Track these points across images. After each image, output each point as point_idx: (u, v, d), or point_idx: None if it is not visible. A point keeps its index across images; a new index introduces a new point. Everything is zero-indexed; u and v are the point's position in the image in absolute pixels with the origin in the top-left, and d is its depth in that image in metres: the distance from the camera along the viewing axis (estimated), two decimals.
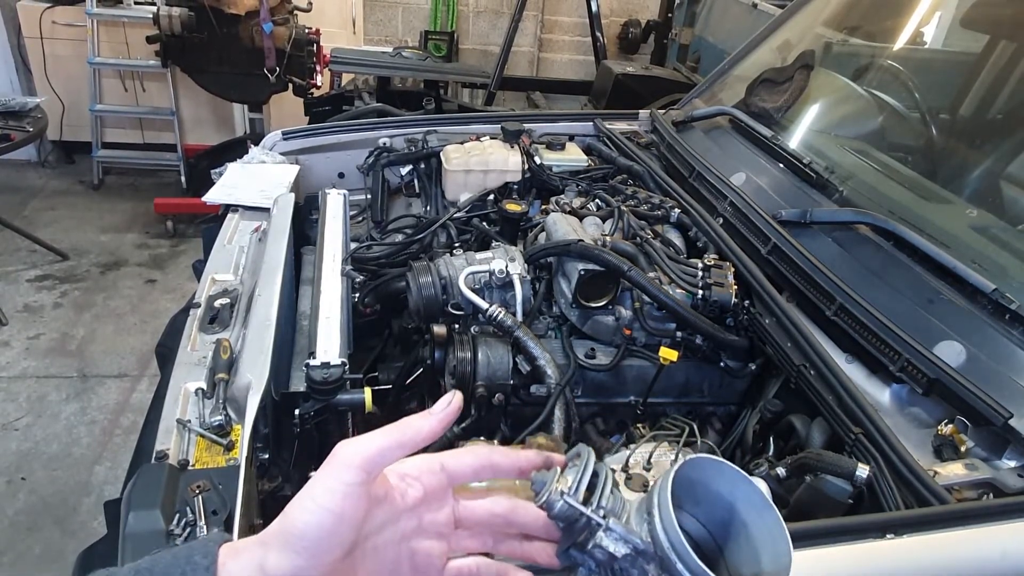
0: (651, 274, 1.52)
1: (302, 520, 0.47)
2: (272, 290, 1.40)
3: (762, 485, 1.10)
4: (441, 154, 2.04)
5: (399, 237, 1.88)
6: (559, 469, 0.55)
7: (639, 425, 1.45)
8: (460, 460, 0.56)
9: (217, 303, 1.45)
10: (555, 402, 1.36)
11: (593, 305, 1.50)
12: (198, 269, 1.73)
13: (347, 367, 1.23)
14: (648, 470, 1.18)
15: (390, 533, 0.54)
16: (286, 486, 1.21)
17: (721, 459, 0.54)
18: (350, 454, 0.49)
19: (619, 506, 0.53)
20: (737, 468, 0.53)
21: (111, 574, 0.48)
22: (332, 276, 1.47)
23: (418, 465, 0.55)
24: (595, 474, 0.54)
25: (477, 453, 0.57)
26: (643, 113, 2.45)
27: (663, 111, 2.40)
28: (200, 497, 0.95)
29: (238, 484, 0.98)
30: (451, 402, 0.53)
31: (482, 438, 1.15)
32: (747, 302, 1.51)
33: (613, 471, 0.57)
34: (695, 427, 1.38)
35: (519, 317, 1.49)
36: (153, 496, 0.94)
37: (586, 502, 0.52)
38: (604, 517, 0.51)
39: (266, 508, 1.17)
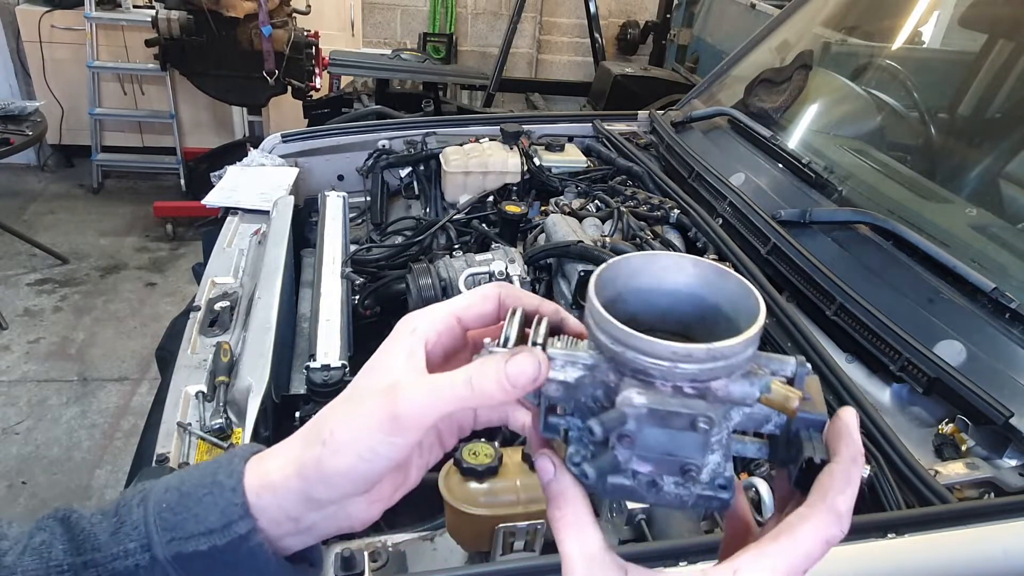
0: None
1: (346, 464, 0.44)
2: (272, 293, 1.40)
3: (762, 485, 1.10)
4: (440, 156, 2.04)
5: (399, 239, 1.88)
6: (501, 337, 0.47)
7: None
8: (471, 308, 0.49)
9: (217, 306, 1.45)
10: None
11: None
12: (198, 272, 1.73)
13: (347, 369, 1.23)
14: None
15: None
16: None
17: (649, 252, 0.47)
18: (410, 415, 0.43)
19: (556, 345, 0.46)
20: (668, 253, 0.47)
21: (146, 489, 0.47)
22: (332, 278, 1.47)
23: (438, 330, 0.48)
24: (525, 324, 0.47)
25: (487, 296, 0.50)
26: (642, 114, 2.45)
27: (662, 112, 2.40)
28: None
29: None
30: (536, 378, 0.42)
31: (483, 440, 1.15)
32: None
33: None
34: None
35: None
36: None
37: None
38: (536, 345, 0.45)
39: None
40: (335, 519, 0.46)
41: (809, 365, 0.43)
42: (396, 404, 0.43)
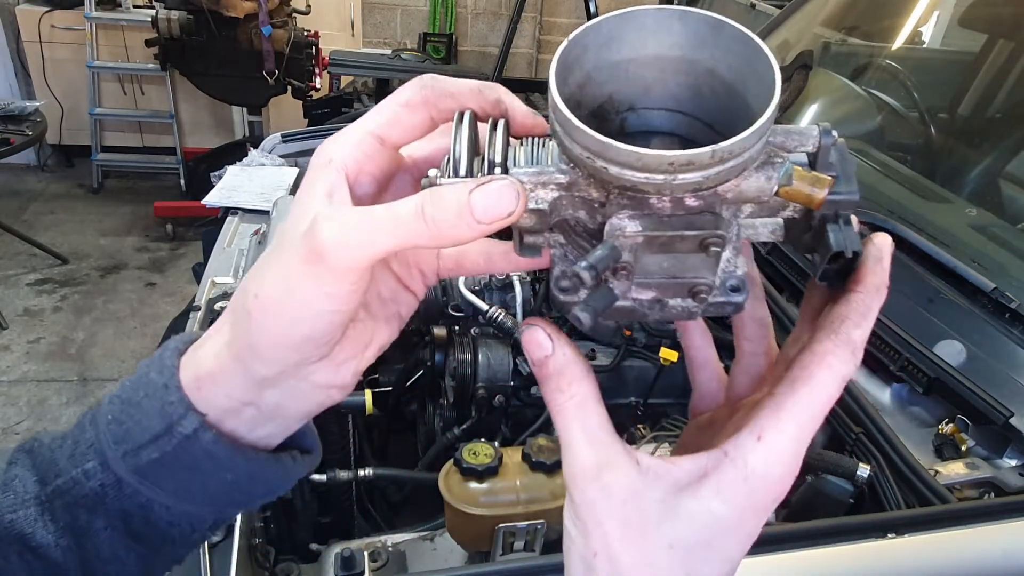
0: None
1: (277, 330, 0.36)
2: None
3: None
4: None
5: None
6: (447, 160, 0.37)
7: (640, 426, 1.46)
8: (394, 123, 0.40)
9: (217, 306, 1.45)
10: None
11: None
12: (198, 272, 1.73)
13: None
14: None
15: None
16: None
17: (623, 11, 0.36)
18: (338, 254, 0.33)
19: (515, 162, 0.37)
20: (646, 8, 0.36)
21: (97, 404, 0.43)
22: None
23: (356, 158, 0.39)
24: (475, 129, 0.38)
25: (410, 103, 0.39)
26: None
27: None
28: None
29: None
30: (513, 212, 0.33)
31: (483, 440, 1.15)
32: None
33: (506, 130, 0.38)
34: None
35: (519, 318, 1.49)
36: None
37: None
38: (496, 166, 0.36)
39: (266, 510, 1.17)
40: (301, 395, 0.40)
41: (835, 133, 0.35)
42: (318, 242, 0.33)
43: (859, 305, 0.35)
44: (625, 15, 0.36)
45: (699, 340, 0.45)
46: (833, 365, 0.34)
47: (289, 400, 0.40)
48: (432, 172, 0.36)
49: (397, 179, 0.42)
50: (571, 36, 0.35)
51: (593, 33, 0.35)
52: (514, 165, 0.36)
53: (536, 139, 0.38)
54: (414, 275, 0.44)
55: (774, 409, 0.34)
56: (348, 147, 0.39)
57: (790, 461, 0.33)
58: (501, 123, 0.38)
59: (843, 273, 0.36)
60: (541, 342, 0.36)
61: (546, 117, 0.36)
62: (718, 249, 0.33)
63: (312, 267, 0.34)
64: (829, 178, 0.34)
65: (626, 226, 0.33)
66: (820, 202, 0.34)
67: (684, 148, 0.33)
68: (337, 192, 0.37)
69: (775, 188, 0.34)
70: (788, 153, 0.35)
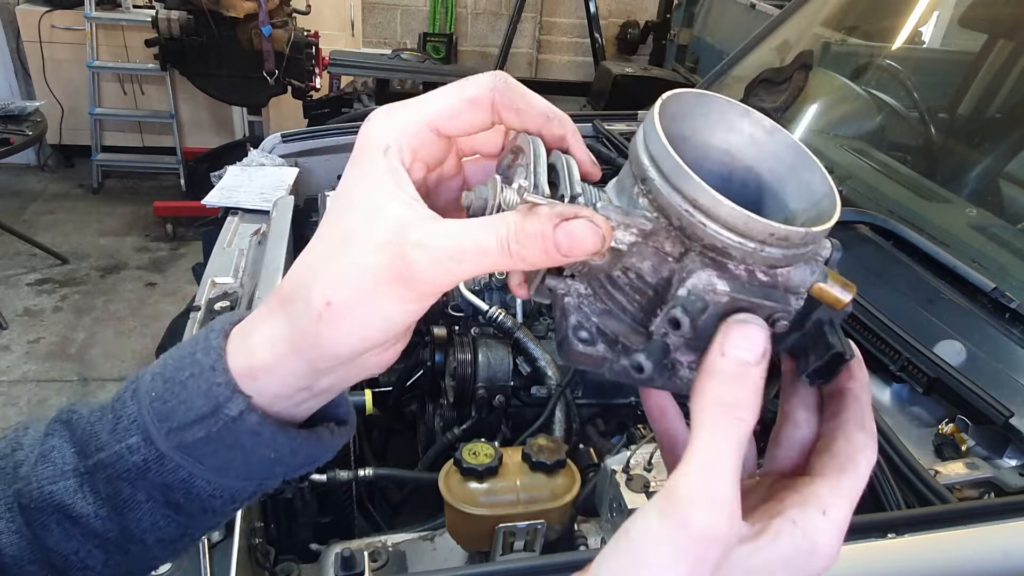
0: None
1: (354, 339, 0.37)
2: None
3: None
4: None
5: None
6: (498, 179, 0.38)
7: (640, 426, 1.45)
8: (455, 118, 0.40)
9: (217, 306, 1.45)
10: (556, 403, 1.36)
11: None
12: (198, 272, 1.73)
13: None
14: (649, 471, 1.18)
15: None
16: (286, 488, 1.21)
17: (702, 92, 0.38)
18: (429, 283, 0.35)
19: (593, 197, 0.38)
20: (726, 99, 0.38)
21: (137, 379, 0.43)
22: None
23: (412, 147, 0.39)
24: (552, 166, 0.39)
25: (477, 101, 0.40)
26: (642, 114, 2.45)
27: None
28: None
29: None
30: (599, 251, 0.34)
31: (483, 440, 1.15)
32: None
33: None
34: None
35: (519, 318, 1.49)
36: None
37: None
38: (579, 197, 0.37)
39: (266, 510, 1.17)
40: (349, 378, 0.42)
41: (840, 250, 0.38)
42: (409, 268, 0.35)
43: (866, 399, 0.39)
44: (701, 97, 0.37)
45: (676, 423, 0.47)
46: (869, 457, 0.38)
47: (339, 383, 0.42)
48: (524, 191, 0.37)
49: (446, 165, 0.44)
50: (666, 98, 0.37)
51: (674, 104, 0.37)
52: (597, 200, 0.37)
53: (592, 187, 0.39)
54: None
55: (834, 488, 0.37)
56: (406, 136, 0.39)
57: (842, 536, 0.38)
58: (573, 163, 0.40)
59: (826, 372, 0.38)
60: (761, 339, 0.34)
61: (608, 162, 0.40)
62: (786, 323, 0.35)
63: (400, 289, 0.36)
64: (854, 285, 0.37)
65: (716, 284, 0.34)
66: (845, 304, 0.36)
67: None
68: (403, 187, 0.37)
69: (813, 283, 0.36)
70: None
